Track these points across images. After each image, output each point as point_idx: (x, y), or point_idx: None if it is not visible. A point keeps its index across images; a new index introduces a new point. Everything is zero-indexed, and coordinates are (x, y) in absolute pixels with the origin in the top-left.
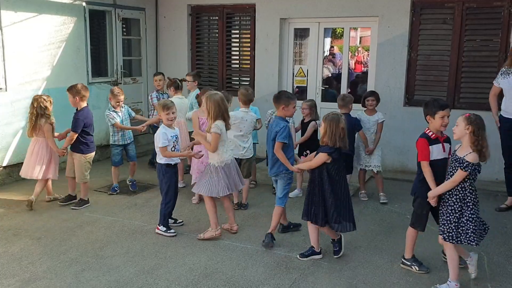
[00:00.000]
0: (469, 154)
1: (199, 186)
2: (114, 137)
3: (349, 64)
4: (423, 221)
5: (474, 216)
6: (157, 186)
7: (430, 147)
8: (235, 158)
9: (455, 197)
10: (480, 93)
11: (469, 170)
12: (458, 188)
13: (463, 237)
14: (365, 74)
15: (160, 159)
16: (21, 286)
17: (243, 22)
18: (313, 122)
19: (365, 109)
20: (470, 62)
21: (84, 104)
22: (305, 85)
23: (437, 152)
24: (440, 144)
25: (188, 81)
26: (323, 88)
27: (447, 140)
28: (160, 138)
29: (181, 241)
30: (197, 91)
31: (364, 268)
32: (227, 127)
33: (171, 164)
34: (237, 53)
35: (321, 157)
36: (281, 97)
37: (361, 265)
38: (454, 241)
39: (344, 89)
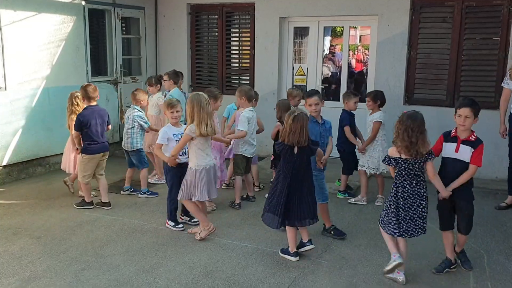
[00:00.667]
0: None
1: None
2: (141, 140)
3: (349, 63)
4: (443, 221)
5: (393, 208)
6: (156, 185)
7: (444, 143)
8: (248, 156)
9: (391, 190)
10: (480, 91)
11: (385, 162)
12: (394, 182)
13: (396, 231)
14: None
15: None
16: (21, 285)
17: (243, 21)
18: (278, 123)
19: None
20: (469, 61)
21: (89, 103)
22: (305, 84)
23: (448, 150)
24: (455, 144)
25: (164, 80)
26: (323, 87)
27: (470, 143)
28: (160, 135)
29: (181, 240)
30: (176, 90)
31: (364, 267)
32: (208, 131)
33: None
34: (237, 52)
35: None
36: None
37: (361, 263)
38: (392, 233)
39: (344, 87)
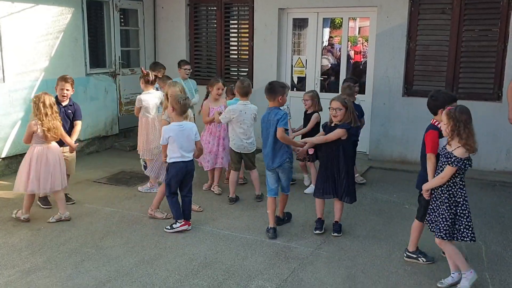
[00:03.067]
0: (457, 149)
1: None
2: None
3: (348, 54)
4: (424, 212)
5: (466, 211)
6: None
7: (440, 139)
8: (238, 151)
9: (447, 193)
10: (479, 83)
11: (457, 165)
12: (450, 183)
13: (458, 234)
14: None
15: None
16: (21, 277)
17: (242, 13)
18: (315, 114)
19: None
20: (469, 52)
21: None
22: (304, 76)
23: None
24: (446, 138)
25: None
26: (322, 78)
27: None
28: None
29: (180, 232)
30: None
31: (363, 258)
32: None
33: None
34: (236, 43)
35: (339, 132)
36: (276, 88)
37: (359, 254)
38: (450, 238)
39: (343, 79)
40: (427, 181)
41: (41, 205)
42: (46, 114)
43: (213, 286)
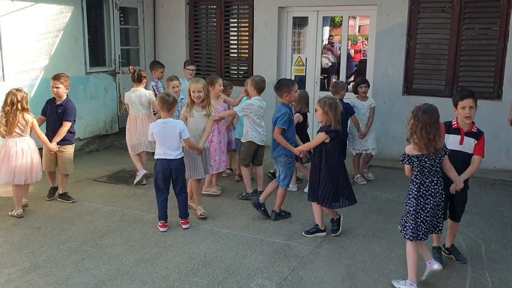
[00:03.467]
0: (407, 146)
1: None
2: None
3: (348, 53)
4: (444, 211)
5: (412, 210)
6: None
7: (446, 135)
8: (261, 144)
9: (409, 191)
10: (479, 81)
11: (403, 161)
12: (411, 181)
13: (423, 231)
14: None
15: None
16: (22, 275)
17: (241, 11)
18: (297, 114)
19: (357, 95)
20: (469, 51)
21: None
22: (304, 74)
23: (452, 142)
24: (459, 136)
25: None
26: (322, 77)
27: (473, 134)
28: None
29: (180, 230)
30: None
31: (363, 256)
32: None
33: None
34: (236, 42)
35: (320, 136)
36: (282, 86)
37: (359, 253)
38: (410, 238)
39: (343, 78)
40: None
41: (65, 201)
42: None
43: (213, 284)
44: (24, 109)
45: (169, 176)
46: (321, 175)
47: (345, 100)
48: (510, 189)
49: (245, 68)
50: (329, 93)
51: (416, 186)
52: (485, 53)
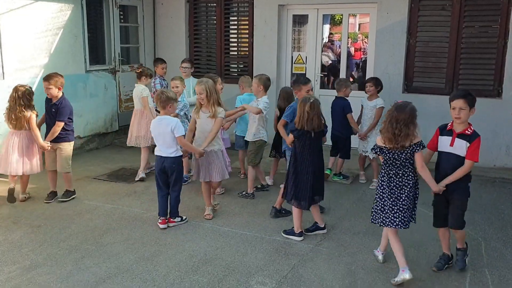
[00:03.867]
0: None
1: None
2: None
3: (349, 51)
4: (438, 217)
5: (380, 198)
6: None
7: (439, 137)
8: (262, 140)
9: (378, 180)
10: (479, 79)
11: (373, 151)
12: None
13: (384, 220)
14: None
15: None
16: (22, 273)
17: (241, 9)
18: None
19: (368, 95)
20: (469, 49)
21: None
22: (304, 72)
23: (443, 144)
24: (450, 138)
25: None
26: (322, 75)
27: (466, 137)
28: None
29: (180, 228)
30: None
31: (363, 254)
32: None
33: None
34: (235, 40)
35: (289, 137)
36: (294, 84)
37: (359, 251)
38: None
39: (343, 75)
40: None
41: (66, 199)
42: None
43: (213, 282)
44: (25, 105)
45: (165, 173)
46: (288, 171)
47: (354, 98)
48: (510, 187)
49: (245, 66)
50: (328, 91)
51: (381, 175)
52: (485, 51)
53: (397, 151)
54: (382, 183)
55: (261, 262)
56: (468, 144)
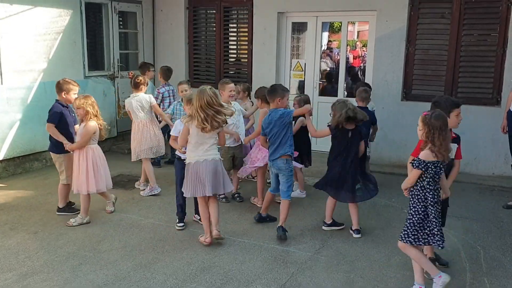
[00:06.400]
0: (422, 152)
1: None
2: None
3: (347, 58)
4: None
5: (434, 216)
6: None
7: None
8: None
9: (416, 197)
10: (477, 87)
11: (419, 167)
12: (418, 187)
13: (424, 238)
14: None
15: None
16: (18, 280)
17: (241, 16)
18: (301, 118)
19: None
20: (468, 57)
21: None
22: (303, 79)
23: None
24: None
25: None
26: (320, 82)
27: (455, 140)
28: (174, 126)
29: (178, 235)
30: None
31: (361, 262)
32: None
33: (180, 157)
34: (235, 47)
35: (324, 131)
36: (276, 90)
37: (358, 259)
38: (416, 242)
39: (342, 83)
40: None
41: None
42: (96, 114)
43: None
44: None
45: None
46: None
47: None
48: (509, 195)
49: (244, 73)
50: (328, 98)
51: (424, 193)
52: (484, 59)
53: (442, 164)
54: (426, 200)
55: (260, 270)
56: (457, 146)
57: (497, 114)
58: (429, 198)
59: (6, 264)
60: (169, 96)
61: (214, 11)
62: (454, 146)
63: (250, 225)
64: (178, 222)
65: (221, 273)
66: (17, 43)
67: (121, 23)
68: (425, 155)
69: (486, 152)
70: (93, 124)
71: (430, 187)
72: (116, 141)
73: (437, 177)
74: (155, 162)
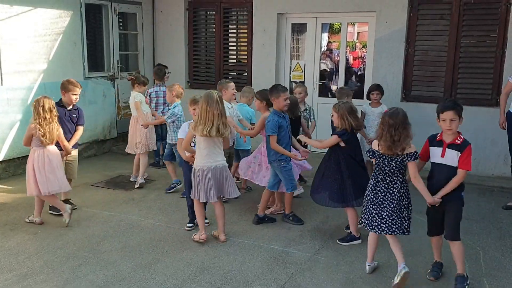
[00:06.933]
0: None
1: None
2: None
3: (347, 59)
4: (431, 227)
5: (370, 203)
6: (154, 181)
7: (430, 148)
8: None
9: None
10: (477, 89)
11: (368, 154)
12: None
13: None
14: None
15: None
16: (18, 281)
17: (240, 17)
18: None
19: (370, 102)
20: (467, 58)
21: None
22: (303, 80)
23: (435, 155)
24: (441, 149)
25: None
26: (320, 83)
27: (456, 146)
28: (180, 130)
29: (178, 236)
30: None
31: (361, 263)
32: (211, 133)
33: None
34: (234, 48)
35: (330, 139)
36: (272, 90)
37: (358, 260)
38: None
39: (341, 84)
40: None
41: (54, 213)
42: (45, 118)
43: None
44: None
45: None
46: (343, 176)
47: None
48: (509, 196)
49: (244, 73)
50: (328, 99)
51: (371, 178)
52: (484, 60)
53: (387, 157)
54: (369, 185)
55: (259, 271)
56: (460, 154)
57: (497, 115)
58: (371, 185)
59: (6, 265)
60: (156, 97)
61: (214, 12)
62: (453, 153)
63: (250, 226)
64: (189, 223)
65: (220, 274)
66: (18, 44)
67: (121, 24)
68: (374, 143)
69: (485, 153)
70: (32, 126)
71: (373, 174)
72: (116, 142)
73: (379, 166)
74: (155, 163)
